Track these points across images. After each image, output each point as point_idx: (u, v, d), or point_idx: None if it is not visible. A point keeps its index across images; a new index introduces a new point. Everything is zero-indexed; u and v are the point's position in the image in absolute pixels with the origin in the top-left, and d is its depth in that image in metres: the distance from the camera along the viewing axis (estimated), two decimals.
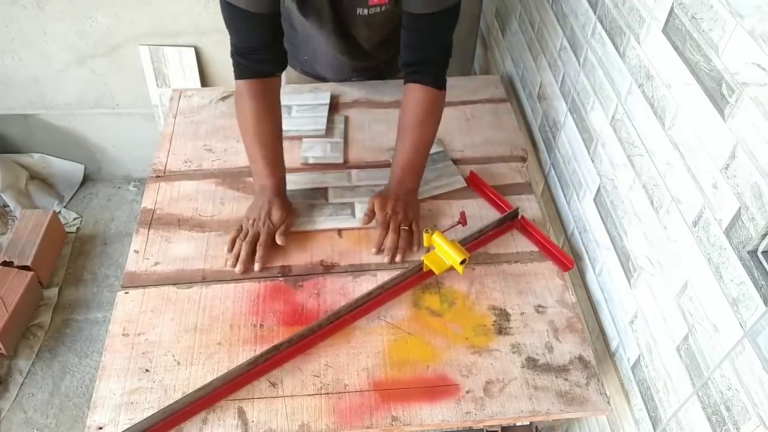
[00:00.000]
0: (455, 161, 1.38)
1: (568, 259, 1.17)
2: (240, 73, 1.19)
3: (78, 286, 2.21)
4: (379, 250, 1.19)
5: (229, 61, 2.17)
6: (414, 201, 1.25)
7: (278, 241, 1.18)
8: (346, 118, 1.48)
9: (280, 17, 1.15)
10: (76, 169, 2.53)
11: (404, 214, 1.20)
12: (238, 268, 1.15)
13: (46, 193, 2.46)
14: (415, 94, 1.21)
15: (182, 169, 1.36)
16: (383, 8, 1.22)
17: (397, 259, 1.17)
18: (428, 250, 1.13)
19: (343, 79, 1.57)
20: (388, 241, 1.18)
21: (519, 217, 1.24)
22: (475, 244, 1.19)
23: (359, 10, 1.23)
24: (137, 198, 2.50)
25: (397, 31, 1.20)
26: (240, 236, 1.19)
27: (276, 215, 1.19)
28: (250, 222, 1.20)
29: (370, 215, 1.22)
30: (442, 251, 1.11)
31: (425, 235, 1.12)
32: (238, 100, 1.21)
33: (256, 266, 1.16)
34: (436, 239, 1.11)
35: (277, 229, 1.19)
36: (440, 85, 1.21)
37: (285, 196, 1.25)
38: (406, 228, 1.20)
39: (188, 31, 2.03)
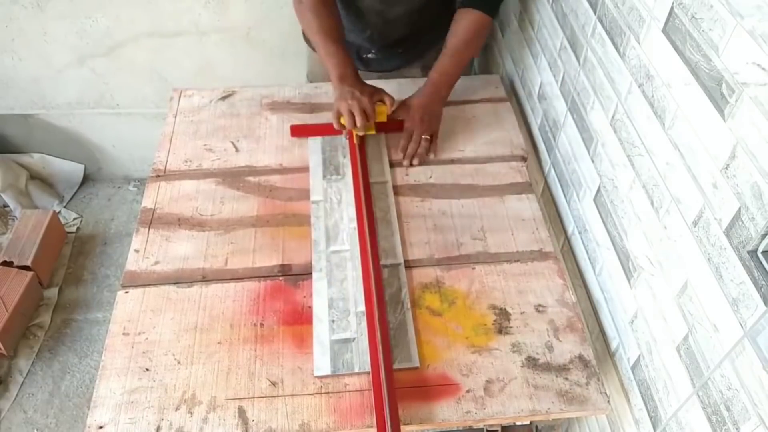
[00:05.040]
0: (455, 161, 1.38)
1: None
2: None
3: (78, 286, 2.21)
4: (403, 153, 1.35)
5: (229, 61, 2.16)
6: (439, 112, 1.39)
7: (387, 102, 1.34)
8: None
9: None
10: (76, 169, 2.53)
11: (428, 124, 1.35)
12: (356, 123, 1.28)
13: (46, 193, 2.46)
14: (467, 16, 1.33)
15: (182, 168, 1.37)
16: None
17: (414, 162, 1.34)
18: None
19: (358, 53, 1.59)
20: (410, 148, 1.34)
21: None
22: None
23: None
24: (137, 198, 2.50)
25: (427, 9, 1.40)
26: (346, 113, 1.28)
27: (367, 89, 1.32)
28: (347, 102, 1.29)
29: (407, 137, 1.35)
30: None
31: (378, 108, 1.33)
32: (296, 3, 1.38)
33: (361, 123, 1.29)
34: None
35: (374, 96, 1.32)
36: (491, 11, 1.34)
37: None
38: (428, 138, 1.35)
39: (188, 31, 2.03)
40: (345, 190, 1.29)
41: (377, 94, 1.34)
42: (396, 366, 1.01)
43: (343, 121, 1.30)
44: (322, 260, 1.17)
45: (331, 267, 1.16)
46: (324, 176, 1.32)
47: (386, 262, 1.16)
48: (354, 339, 1.05)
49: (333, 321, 1.08)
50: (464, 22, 1.34)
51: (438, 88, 1.37)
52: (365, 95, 1.30)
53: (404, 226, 1.24)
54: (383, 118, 1.36)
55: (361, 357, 1.03)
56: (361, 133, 1.35)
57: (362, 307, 1.09)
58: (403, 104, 1.38)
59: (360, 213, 1.22)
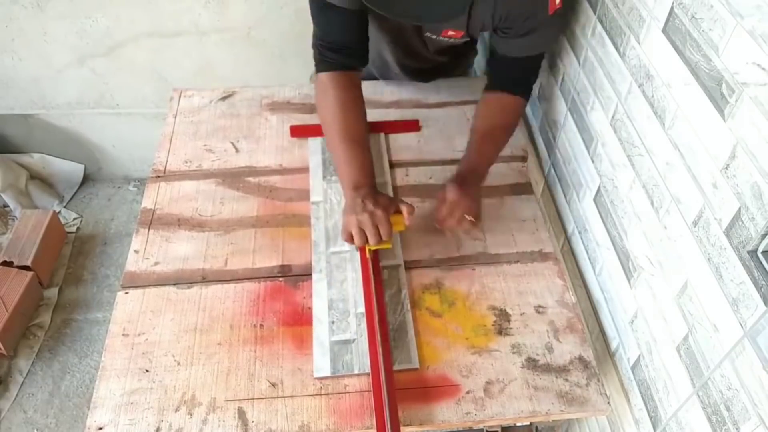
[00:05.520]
0: (455, 161, 1.37)
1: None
2: (324, 65, 1.18)
3: (78, 286, 2.21)
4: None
5: (229, 61, 2.16)
6: (477, 204, 1.17)
7: (405, 212, 1.09)
8: None
9: (367, 13, 1.14)
10: (76, 169, 2.53)
11: (462, 220, 1.13)
12: (367, 241, 1.08)
13: (46, 193, 2.46)
14: (501, 99, 1.22)
15: (182, 169, 1.36)
16: (455, 41, 1.21)
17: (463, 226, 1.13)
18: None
19: (385, 75, 1.53)
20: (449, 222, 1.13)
21: None
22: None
23: (428, 34, 1.23)
24: (137, 198, 2.50)
25: (461, 50, 1.28)
26: (356, 229, 1.08)
27: (382, 200, 1.10)
28: (358, 216, 1.08)
29: (444, 211, 1.14)
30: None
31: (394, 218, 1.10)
32: (321, 92, 1.19)
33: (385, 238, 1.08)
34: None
35: (389, 208, 1.10)
36: (526, 96, 1.24)
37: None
38: (472, 219, 1.14)
39: (188, 31, 2.03)
40: None
41: (393, 205, 1.11)
42: (396, 367, 1.01)
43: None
44: (321, 261, 1.17)
45: (330, 268, 1.15)
46: (324, 177, 1.32)
47: (386, 263, 1.16)
48: (354, 340, 1.05)
49: (333, 322, 1.07)
50: (498, 104, 1.22)
51: (466, 181, 1.17)
52: (379, 208, 1.08)
53: None
54: (400, 228, 1.13)
55: (360, 358, 1.03)
56: (374, 248, 1.12)
57: (362, 309, 1.09)
58: (440, 207, 1.16)
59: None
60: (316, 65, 1.19)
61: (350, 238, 1.10)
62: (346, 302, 1.10)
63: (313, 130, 1.42)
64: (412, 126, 1.44)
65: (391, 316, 1.08)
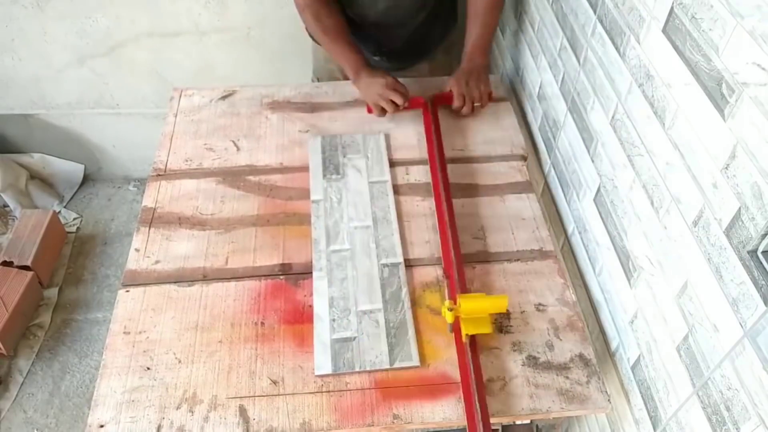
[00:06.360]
0: (455, 160, 1.38)
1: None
2: None
3: (78, 286, 2.21)
4: (460, 108, 1.44)
5: (229, 61, 2.16)
6: (485, 75, 1.46)
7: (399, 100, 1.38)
8: None
9: None
10: (76, 169, 2.53)
11: (477, 88, 1.43)
12: (399, 105, 1.38)
13: (46, 193, 2.46)
14: None
15: (183, 167, 1.37)
16: None
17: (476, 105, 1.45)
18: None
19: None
20: (466, 111, 1.44)
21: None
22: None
23: None
24: (137, 198, 2.50)
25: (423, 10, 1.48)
26: (384, 99, 1.38)
27: (380, 71, 1.41)
28: (381, 92, 1.38)
29: (459, 97, 1.43)
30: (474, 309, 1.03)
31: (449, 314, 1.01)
32: (298, 7, 1.43)
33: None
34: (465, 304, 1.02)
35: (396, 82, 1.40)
36: None
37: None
38: (479, 104, 1.45)
39: (188, 31, 2.03)
40: (345, 190, 1.30)
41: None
42: (396, 365, 1.02)
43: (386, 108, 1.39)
44: (322, 259, 1.17)
45: (331, 266, 1.16)
46: (324, 176, 1.33)
47: (386, 261, 1.17)
48: (354, 338, 1.06)
49: (333, 320, 1.08)
50: None
51: (473, 57, 1.45)
52: (386, 77, 1.39)
53: (404, 226, 1.24)
54: (487, 330, 1.03)
55: (361, 356, 1.03)
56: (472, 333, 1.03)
57: (363, 306, 1.09)
58: (451, 79, 1.45)
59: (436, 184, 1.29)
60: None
61: (381, 111, 1.40)
62: (347, 300, 1.11)
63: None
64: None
65: (392, 314, 1.08)
